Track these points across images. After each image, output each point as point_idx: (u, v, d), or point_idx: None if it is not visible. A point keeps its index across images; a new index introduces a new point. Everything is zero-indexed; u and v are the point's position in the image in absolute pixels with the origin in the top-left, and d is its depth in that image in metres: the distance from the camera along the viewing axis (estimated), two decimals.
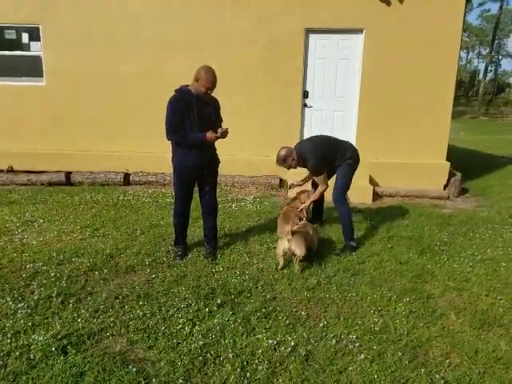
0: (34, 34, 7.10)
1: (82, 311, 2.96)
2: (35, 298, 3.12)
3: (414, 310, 3.09)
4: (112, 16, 6.91)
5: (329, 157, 4.29)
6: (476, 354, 2.60)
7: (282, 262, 3.72)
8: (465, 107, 35.43)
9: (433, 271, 3.78)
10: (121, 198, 6.10)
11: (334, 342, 2.67)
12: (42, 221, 4.98)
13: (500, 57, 54.89)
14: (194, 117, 3.62)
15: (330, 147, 4.36)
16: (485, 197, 6.72)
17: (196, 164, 3.75)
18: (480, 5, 45.25)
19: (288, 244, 3.62)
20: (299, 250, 3.61)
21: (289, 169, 4.35)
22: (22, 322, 2.80)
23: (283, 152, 4.20)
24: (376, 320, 2.94)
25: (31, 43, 7.15)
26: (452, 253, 4.23)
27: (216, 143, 3.86)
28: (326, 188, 4.38)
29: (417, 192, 6.58)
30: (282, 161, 4.22)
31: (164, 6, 6.82)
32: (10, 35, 7.19)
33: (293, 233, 3.65)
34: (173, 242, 4.17)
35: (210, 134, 3.64)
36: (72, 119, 7.25)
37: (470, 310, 3.11)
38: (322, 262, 3.87)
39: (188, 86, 3.67)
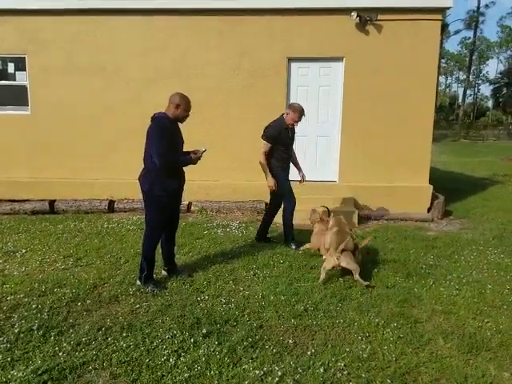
0: (20, 64, 7.16)
1: (64, 344, 2.88)
2: (15, 331, 3.03)
3: (401, 336, 3.07)
4: (97, 45, 7.02)
5: None
6: (466, 380, 2.58)
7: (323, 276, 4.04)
8: (446, 130, 36.38)
9: (419, 295, 3.78)
10: (105, 225, 6.03)
11: (322, 370, 2.63)
12: (24, 251, 4.88)
13: (479, 81, 56.95)
14: (177, 142, 3.79)
15: None
16: (468, 219, 6.82)
17: (180, 186, 3.91)
18: (456, 33, 47.26)
19: (339, 261, 3.94)
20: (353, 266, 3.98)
21: None
22: (0, 357, 2.71)
23: None
24: (364, 347, 2.91)
25: (17, 73, 7.21)
26: (438, 276, 4.25)
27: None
28: None
29: (401, 215, 6.66)
30: None
31: (149, 35, 6.97)
32: None
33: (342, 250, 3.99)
34: (143, 279, 3.84)
35: (194, 156, 3.80)
36: (56, 147, 7.24)
37: (457, 334, 3.11)
38: (309, 288, 3.85)
39: (162, 112, 3.74)
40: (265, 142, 4.79)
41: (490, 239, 5.60)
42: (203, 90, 6.95)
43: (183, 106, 3.71)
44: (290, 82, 7.00)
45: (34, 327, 3.08)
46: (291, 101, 7.05)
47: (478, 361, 2.79)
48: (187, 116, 3.81)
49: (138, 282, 3.89)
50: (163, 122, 3.66)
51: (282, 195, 4.95)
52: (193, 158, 3.80)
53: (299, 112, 4.80)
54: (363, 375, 2.60)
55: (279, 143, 4.81)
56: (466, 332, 3.14)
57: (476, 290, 3.92)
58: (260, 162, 4.88)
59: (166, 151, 3.59)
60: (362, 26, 6.68)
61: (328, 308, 3.48)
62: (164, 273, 4.18)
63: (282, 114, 4.95)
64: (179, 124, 3.87)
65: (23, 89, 7.19)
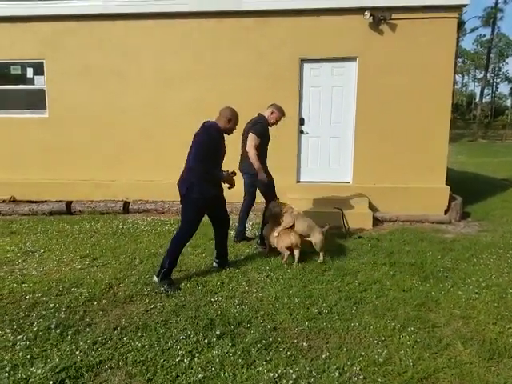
0: (39, 69, 7.30)
1: (81, 343, 2.92)
2: (34, 329, 3.09)
3: (419, 340, 3.01)
4: (113, 50, 7.12)
5: None
6: None
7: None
8: (463, 130, 35.74)
9: (437, 299, 3.71)
10: (120, 226, 6.10)
11: (337, 374, 2.60)
12: (42, 251, 4.97)
13: (498, 80, 55.80)
14: (219, 152, 4.01)
15: None
16: (487, 221, 6.67)
17: (217, 193, 4.08)
18: (472, 30, 46.30)
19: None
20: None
21: None
22: (20, 354, 2.77)
23: None
24: (380, 351, 2.87)
25: (35, 77, 7.36)
26: (456, 279, 4.17)
27: None
28: None
29: (417, 217, 6.55)
30: None
31: (163, 40, 7.04)
32: (16, 70, 7.41)
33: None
34: (161, 276, 3.89)
35: (227, 175, 4.00)
36: (73, 149, 7.36)
37: (477, 340, 3.03)
38: (323, 291, 3.82)
39: (213, 121, 3.95)
40: (255, 136, 4.87)
41: (511, 242, 5.46)
42: (216, 93, 6.97)
43: (234, 120, 4.02)
44: (302, 82, 6.96)
45: (52, 326, 3.13)
46: (304, 101, 7.04)
47: (499, 368, 2.71)
48: (234, 129, 4.11)
49: (155, 278, 3.95)
50: (211, 132, 3.88)
51: (252, 191, 5.18)
52: (224, 176, 3.97)
53: (283, 113, 5.09)
54: (379, 380, 2.56)
55: (263, 140, 4.97)
56: (487, 338, 3.06)
57: (496, 294, 3.83)
58: (252, 155, 4.86)
59: (204, 159, 3.77)
60: (375, 25, 6.61)
61: (343, 311, 3.44)
62: (215, 264, 4.41)
63: (259, 114, 5.10)
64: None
65: (41, 93, 7.33)
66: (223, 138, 4.05)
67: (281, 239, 4.58)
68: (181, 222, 4.03)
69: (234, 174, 4.09)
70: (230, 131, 4.08)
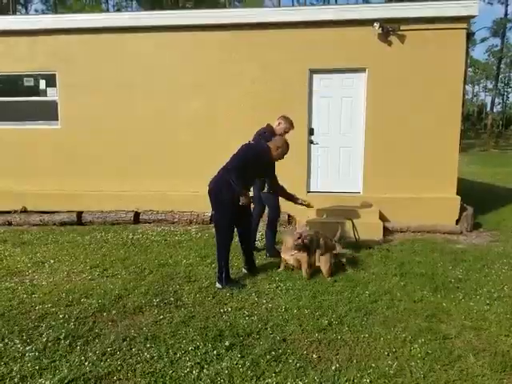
0: (51, 81, 7.46)
1: (90, 354, 2.92)
2: (43, 340, 3.10)
3: (430, 352, 2.97)
4: (124, 61, 7.24)
5: None
6: None
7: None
8: (474, 140, 35.42)
9: (448, 310, 3.66)
10: (130, 236, 6.13)
11: None
12: (52, 261, 5.01)
13: (508, 89, 55.31)
14: (254, 172, 4.23)
15: None
16: (499, 231, 6.57)
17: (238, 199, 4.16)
18: (482, 41, 46.14)
19: None
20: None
21: None
22: (29, 365, 2.78)
23: None
24: (390, 363, 2.83)
25: (48, 89, 7.51)
26: (467, 290, 4.11)
27: None
28: None
29: (428, 227, 6.49)
30: None
31: (173, 51, 7.15)
32: (29, 82, 7.58)
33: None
34: (223, 281, 4.11)
35: (246, 194, 4.12)
36: (84, 160, 7.46)
37: (489, 352, 2.98)
38: (333, 302, 3.80)
39: (267, 147, 4.22)
40: None
41: None
42: (225, 103, 7.04)
43: (282, 149, 4.24)
44: (312, 93, 7.00)
45: (61, 336, 3.15)
46: (314, 112, 7.06)
47: None
48: (281, 159, 4.33)
49: (218, 285, 4.12)
50: (262, 154, 4.15)
51: (276, 202, 5.14)
52: (243, 192, 4.06)
53: (290, 123, 5.13)
54: None
55: None
56: (499, 350, 3.01)
57: (508, 305, 3.77)
58: None
59: (241, 170, 3.99)
60: (384, 36, 6.64)
61: (353, 322, 3.41)
62: (244, 271, 4.55)
63: (268, 124, 5.14)
64: None
65: (54, 104, 7.47)
66: (265, 162, 4.19)
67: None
68: (216, 225, 4.24)
69: (249, 198, 4.22)
70: (276, 158, 4.27)
